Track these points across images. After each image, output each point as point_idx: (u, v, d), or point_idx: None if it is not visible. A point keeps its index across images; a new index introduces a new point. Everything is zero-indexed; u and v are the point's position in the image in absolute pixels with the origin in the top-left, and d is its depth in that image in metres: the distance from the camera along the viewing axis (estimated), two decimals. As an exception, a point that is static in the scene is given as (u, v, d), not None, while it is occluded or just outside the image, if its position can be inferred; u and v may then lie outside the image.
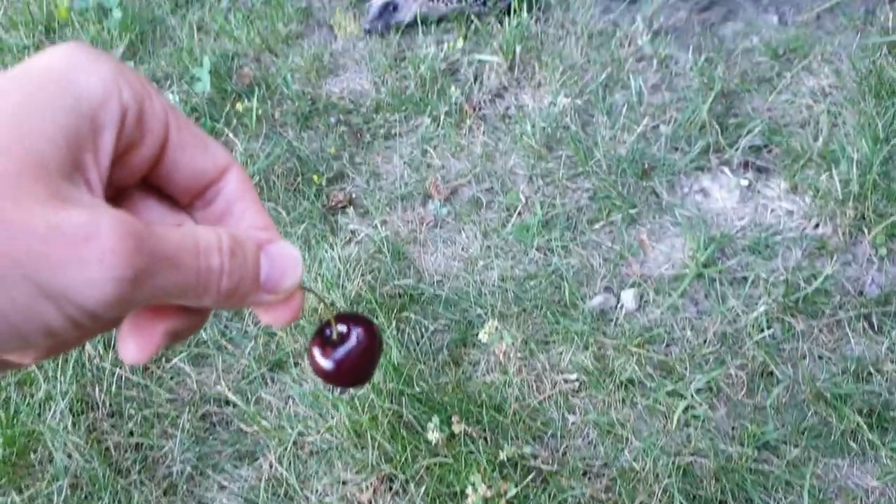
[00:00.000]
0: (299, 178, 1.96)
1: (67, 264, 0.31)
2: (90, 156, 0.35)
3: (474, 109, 2.11)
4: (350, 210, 1.91)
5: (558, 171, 1.94)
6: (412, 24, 2.34)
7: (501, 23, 2.31)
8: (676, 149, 1.96)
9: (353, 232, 1.87)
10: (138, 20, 2.43)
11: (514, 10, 2.27)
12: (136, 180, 0.41)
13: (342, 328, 0.49)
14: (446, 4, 2.33)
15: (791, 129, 1.98)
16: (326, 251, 1.78)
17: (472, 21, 2.32)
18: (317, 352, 0.49)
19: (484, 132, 2.05)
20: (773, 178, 1.89)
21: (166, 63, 2.31)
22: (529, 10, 2.30)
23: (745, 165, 1.93)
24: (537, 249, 1.80)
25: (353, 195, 1.96)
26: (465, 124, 2.08)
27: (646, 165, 1.92)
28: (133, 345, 0.39)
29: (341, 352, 0.48)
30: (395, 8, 2.32)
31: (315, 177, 1.95)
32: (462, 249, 1.83)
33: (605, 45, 2.23)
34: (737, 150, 1.93)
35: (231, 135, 2.08)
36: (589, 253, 1.78)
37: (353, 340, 0.49)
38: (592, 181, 1.91)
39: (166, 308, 0.39)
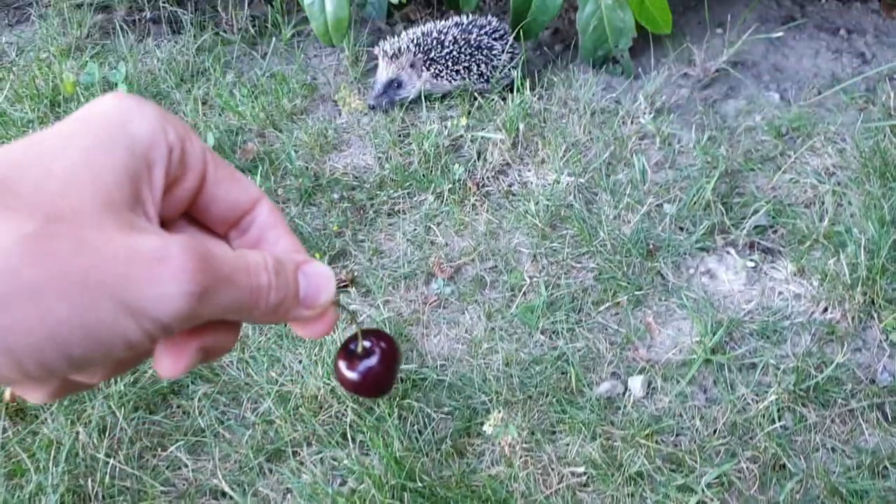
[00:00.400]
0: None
1: (145, 283, 0.36)
2: (147, 189, 0.41)
3: (478, 186, 2.10)
4: (352, 290, 1.88)
5: (563, 250, 1.92)
6: (416, 101, 2.35)
7: (504, 100, 2.32)
8: (681, 229, 1.95)
9: (354, 313, 1.84)
10: (143, 95, 2.44)
11: (517, 88, 2.28)
12: (180, 213, 0.46)
13: (366, 343, 0.54)
14: (450, 81, 2.34)
15: (796, 210, 1.96)
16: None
17: (475, 98, 2.33)
18: (343, 365, 0.54)
19: (487, 209, 2.04)
20: (779, 260, 1.87)
21: (170, 137, 2.31)
22: (532, 87, 2.31)
23: (751, 246, 1.91)
24: (542, 332, 1.77)
25: (356, 273, 1.94)
26: (468, 201, 2.07)
27: (650, 246, 1.91)
28: (169, 360, 0.42)
29: (366, 364, 0.53)
30: (400, 84, 2.33)
31: (317, 255, 1.94)
32: (466, 331, 1.80)
33: (608, 122, 2.24)
34: (742, 230, 1.92)
35: (233, 211, 2.06)
36: (595, 336, 1.75)
37: (376, 354, 0.54)
38: (597, 261, 1.89)
39: (200, 327, 0.42)
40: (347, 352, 0.55)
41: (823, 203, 1.96)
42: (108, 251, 0.36)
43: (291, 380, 1.68)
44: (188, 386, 1.70)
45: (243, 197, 0.47)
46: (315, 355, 1.70)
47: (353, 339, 0.55)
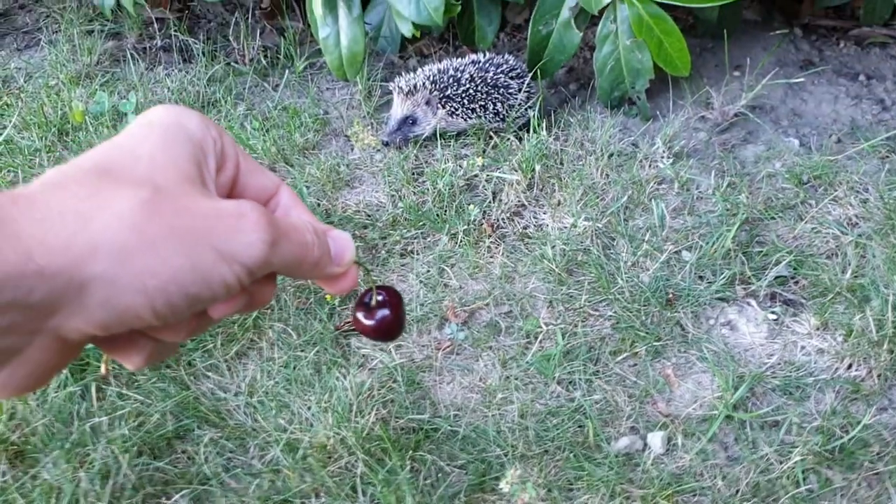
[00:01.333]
0: (311, 298, 1.90)
1: (232, 234, 0.46)
2: (206, 171, 0.50)
3: (493, 228, 2.07)
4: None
5: (580, 296, 1.87)
6: (430, 138, 2.32)
7: (520, 139, 2.29)
8: (701, 278, 1.91)
9: (365, 357, 1.79)
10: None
11: (534, 128, 2.25)
12: (223, 197, 0.53)
13: (378, 297, 0.64)
14: (465, 120, 2.31)
15: (818, 261, 1.92)
16: (338, 379, 1.70)
17: (490, 137, 2.30)
18: (361, 315, 0.64)
19: (503, 252, 2.00)
20: (802, 313, 1.82)
21: (180, 170, 2.27)
22: (549, 128, 2.28)
23: (773, 298, 1.87)
24: (558, 382, 1.72)
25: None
26: (483, 243, 2.03)
27: (670, 295, 1.86)
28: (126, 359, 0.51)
29: (380, 314, 0.64)
30: (414, 122, 2.30)
31: (328, 296, 1.89)
32: (479, 379, 1.75)
33: (626, 165, 2.20)
34: (763, 281, 1.87)
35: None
36: (613, 388, 1.71)
37: (388, 305, 0.64)
38: (615, 309, 1.85)
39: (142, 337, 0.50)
40: (364, 305, 0.64)
41: (846, 255, 1.92)
42: (201, 212, 0.46)
43: (300, 427, 1.62)
44: (194, 430, 1.65)
45: (268, 183, 0.57)
46: (325, 402, 1.65)
47: (368, 293, 0.64)
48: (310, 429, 1.62)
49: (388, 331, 0.66)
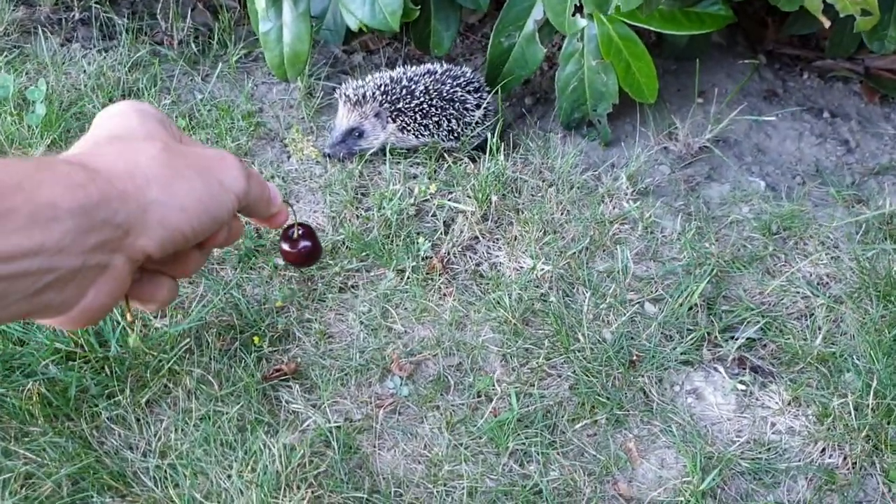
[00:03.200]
0: (237, 340, 1.67)
1: (224, 169, 0.58)
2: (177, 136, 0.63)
3: (443, 263, 1.87)
4: (294, 386, 1.63)
5: (537, 352, 1.71)
6: (377, 154, 2.11)
7: (475, 161, 2.10)
8: (667, 337, 1.77)
9: (296, 414, 1.58)
10: (64, 116, 2.12)
11: (491, 152, 2.06)
12: None
13: (300, 231, 0.76)
14: (417, 137, 2.10)
15: (787, 324, 1.81)
16: (264, 442, 1.49)
17: (443, 156, 2.10)
18: (286, 246, 0.76)
19: (453, 294, 1.82)
20: (771, 384, 1.70)
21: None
22: (506, 154, 2.09)
23: (741, 363, 1.75)
24: (511, 454, 1.55)
25: (300, 361, 1.68)
26: (432, 282, 1.84)
27: (633, 356, 1.72)
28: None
29: (302, 245, 0.76)
30: (361, 135, 2.08)
31: (256, 338, 1.67)
32: (424, 446, 1.57)
33: (587, 200, 2.04)
34: (731, 346, 1.74)
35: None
36: (571, 463, 1.55)
37: (307, 238, 0.76)
38: (574, 368, 1.69)
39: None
40: (288, 238, 0.76)
41: (816, 318, 1.81)
42: (199, 154, 0.58)
43: (219, 501, 1.41)
44: (93, 497, 1.42)
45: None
46: (248, 472, 1.44)
47: (290, 228, 0.75)
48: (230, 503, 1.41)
49: (310, 257, 0.78)
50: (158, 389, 1.59)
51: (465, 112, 2.13)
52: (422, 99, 2.08)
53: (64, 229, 0.48)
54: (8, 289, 0.47)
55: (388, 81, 2.09)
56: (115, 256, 0.52)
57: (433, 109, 2.09)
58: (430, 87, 2.09)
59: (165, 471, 1.46)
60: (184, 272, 0.63)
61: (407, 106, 2.07)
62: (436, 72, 2.13)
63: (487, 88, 2.19)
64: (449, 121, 2.11)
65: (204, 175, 0.56)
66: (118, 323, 1.62)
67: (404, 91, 2.08)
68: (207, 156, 0.58)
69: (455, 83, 2.12)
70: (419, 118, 2.08)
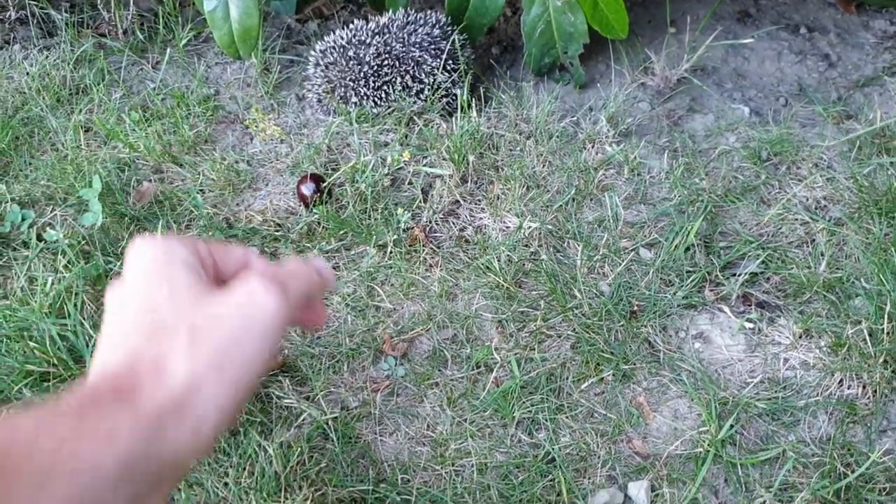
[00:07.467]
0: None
1: (258, 308, 0.54)
2: (205, 277, 0.57)
3: (425, 233, 1.79)
4: (284, 380, 1.54)
5: (533, 314, 1.63)
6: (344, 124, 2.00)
7: (447, 121, 2.00)
8: (666, 283, 1.69)
9: (289, 409, 1.51)
10: (10, 124, 2.00)
11: (462, 108, 1.96)
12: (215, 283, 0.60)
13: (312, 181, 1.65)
14: (376, 104, 1.99)
15: (789, 253, 1.73)
16: (259, 443, 1.41)
17: (412, 120, 2.00)
18: (303, 188, 1.68)
19: (440, 264, 1.73)
20: (779, 318, 1.63)
21: (46, 179, 1.89)
22: (479, 110, 1.99)
23: (745, 300, 1.67)
24: (519, 423, 1.48)
25: (287, 353, 1.60)
26: (416, 254, 1.75)
27: (633, 306, 1.64)
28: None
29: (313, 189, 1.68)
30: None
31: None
32: (427, 427, 1.49)
33: (568, 149, 1.95)
34: (731, 280, 1.67)
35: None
36: (581, 426, 1.48)
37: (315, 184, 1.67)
38: (574, 326, 1.61)
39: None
40: (303, 184, 1.66)
41: (817, 243, 1.74)
42: (225, 311, 0.53)
43: (217, 512, 1.34)
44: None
45: (239, 255, 0.62)
46: (245, 477, 1.37)
47: (305, 178, 1.57)
48: (230, 513, 1.33)
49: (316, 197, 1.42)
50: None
51: (426, 72, 2.01)
52: (373, 64, 1.96)
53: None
54: None
55: (332, 54, 1.97)
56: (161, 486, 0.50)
57: (386, 70, 1.97)
58: (382, 49, 1.97)
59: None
60: None
61: (357, 77, 1.96)
62: (397, 20, 2.00)
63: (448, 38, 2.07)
64: (408, 78, 1.99)
65: (246, 332, 0.53)
66: (91, 337, 1.53)
67: (352, 62, 1.96)
68: (235, 306, 0.54)
69: (414, 36, 2.00)
70: (373, 85, 1.97)
